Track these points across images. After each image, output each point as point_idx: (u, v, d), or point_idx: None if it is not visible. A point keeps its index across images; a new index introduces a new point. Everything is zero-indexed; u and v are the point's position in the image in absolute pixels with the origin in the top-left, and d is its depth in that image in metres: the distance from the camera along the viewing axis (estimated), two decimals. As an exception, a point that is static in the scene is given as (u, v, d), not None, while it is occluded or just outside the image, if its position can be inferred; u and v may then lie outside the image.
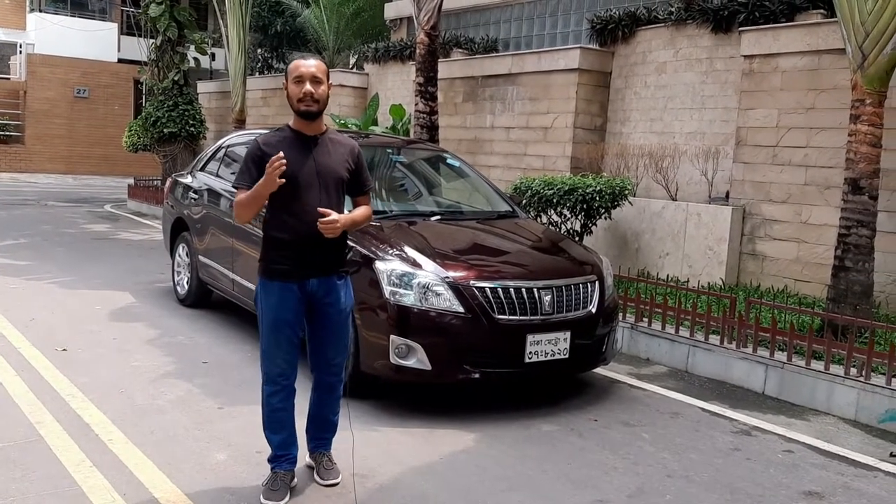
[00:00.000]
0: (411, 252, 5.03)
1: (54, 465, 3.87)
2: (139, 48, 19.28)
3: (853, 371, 5.41)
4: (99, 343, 6.10)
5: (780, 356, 5.77)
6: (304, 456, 3.95)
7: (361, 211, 3.77)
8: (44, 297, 7.59)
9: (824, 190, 7.79)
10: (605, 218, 8.62)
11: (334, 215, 3.47)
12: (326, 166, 3.59)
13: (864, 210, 6.13)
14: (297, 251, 3.55)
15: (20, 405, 4.66)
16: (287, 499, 3.61)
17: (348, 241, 5.09)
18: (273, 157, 3.33)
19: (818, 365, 5.57)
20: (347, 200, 3.80)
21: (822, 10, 8.55)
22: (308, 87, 3.49)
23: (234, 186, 3.66)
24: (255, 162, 3.53)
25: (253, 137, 3.69)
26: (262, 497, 3.59)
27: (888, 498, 4.09)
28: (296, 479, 3.76)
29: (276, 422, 3.69)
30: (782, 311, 6.41)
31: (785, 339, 5.80)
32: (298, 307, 3.61)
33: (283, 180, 3.37)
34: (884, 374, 5.28)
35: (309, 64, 3.55)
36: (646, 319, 6.67)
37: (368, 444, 4.36)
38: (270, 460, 3.73)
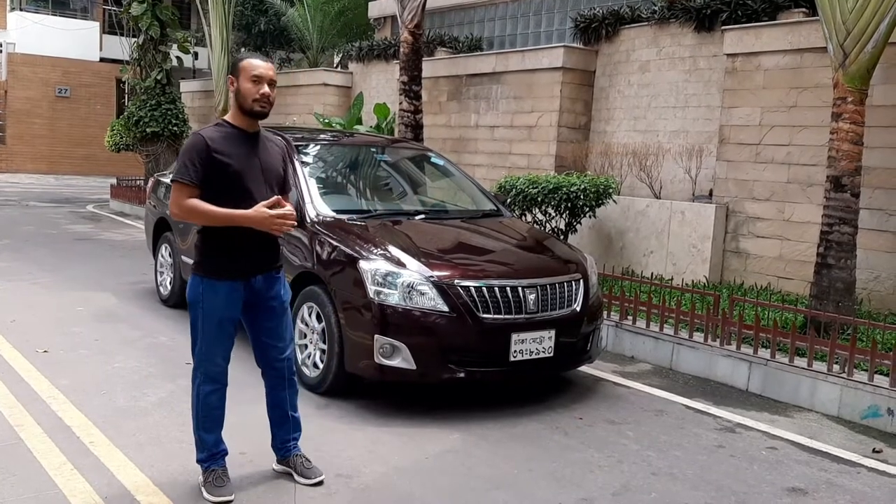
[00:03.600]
0: (396, 251, 5.02)
1: (35, 469, 3.82)
2: (121, 47, 19.13)
3: (836, 368, 5.44)
4: (81, 344, 6.04)
5: (764, 353, 5.80)
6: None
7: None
8: (25, 298, 7.51)
9: (807, 187, 7.83)
10: (590, 216, 8.63)
11: (289, 206, 3.49)
12: (269, 164, 3.61)
13: (847, 207, 6.17)
14: (246, 249, 3.54)
15: (0, 408, 4.61)
16: (234, 493, 3.60)
17: (332, 241, 5.14)
18: (281, 213, 3.36)
19: (801, 362, 5.60)
20: None
21: (804, 9, 8.60)
22: (266, 88, 3.49)
23: (173, 180, 3.51)
24: (201, 156, 3.43)
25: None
26: (208, 494, 3.56)
27: (871, 493, 4.12)
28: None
29: (213, 420, 3.66)
30: (766, 309, 6.44)
31: (768, 336, 5.82)
32: (240, 305, 3.62)
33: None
34: (866, 370, 5.31)
35: (267, 66, 3.53)
36: (630, 317, 6.69)
37: (353, 444, 4.35)
38: (204, 460, 3.67)
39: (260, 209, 3.39)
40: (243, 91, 3.49)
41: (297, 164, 5.63)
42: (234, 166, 3.46)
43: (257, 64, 3.51)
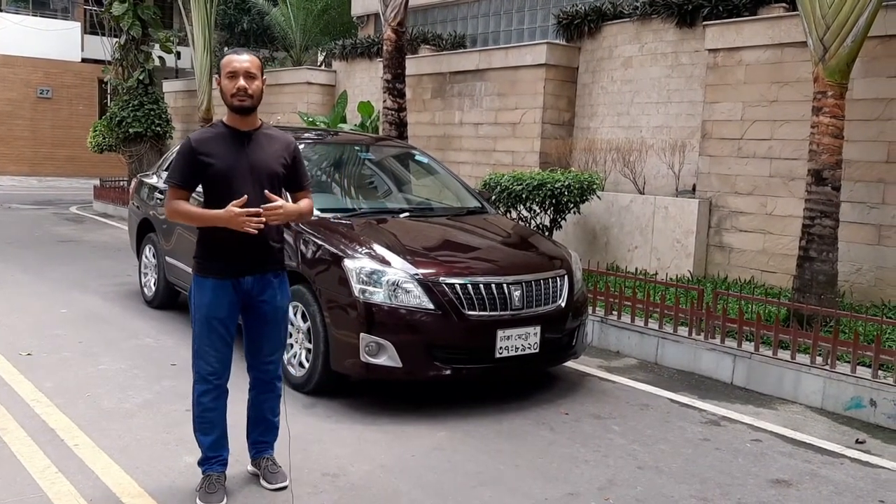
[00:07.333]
0: (380, 249, 5.02)
1: (19, 472, 3.80)
2: (103, 47, 18.98)
3: (819, 360, 5.49)
4: (64, 347, 6.01)
5: (748, 346, 5.84)
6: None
7: (305, 202, 3.70)
8: (8, 301, 7.45)
9: (789, 181, 7.88)
10: (574, 212, 8.66)
11: (279, 201, 3.44)
12: (260, 161, 3.54)
13: (828, 201, 6.21)
14: (233, 248, 3.50)
15: (-17, 412, 4.58)
16: (224, 500, 3.56)
17: (316, 240, 5.12)
18: (248, 212, 3.33)
19: (785, 354, 5.64)
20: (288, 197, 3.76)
21: (784, 4, 8.65)
22: (241, 82, 3.44)
23: (164, 181, 3.59)
24: (187, 159, 3.50)
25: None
26: (198, 501, 3.54)
27: (854, 484, 4.16)
28: (226, 486, 3.68)
29: (207, 422, 3.62)
30: (749, 302, 6.48)
31: (752, 329, 5.87)
32: (232, 305, 3.57)
33: (253, 231, 3.37)
34: (849, 362, 5.36)
35: (242, 59, 3.47)
36: (615, 312, 6.72)
37: (339, 442, 4.35)
38: (201, 463, 3.65)
39: (229, 208, 3.36)
40: (223, 88, 3.49)
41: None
42: (216, 166, 3.45)
43: (232, 59, 3.49)
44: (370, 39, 15.26)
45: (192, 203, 3.58)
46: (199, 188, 3.59)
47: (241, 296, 3.57)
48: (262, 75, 3.55)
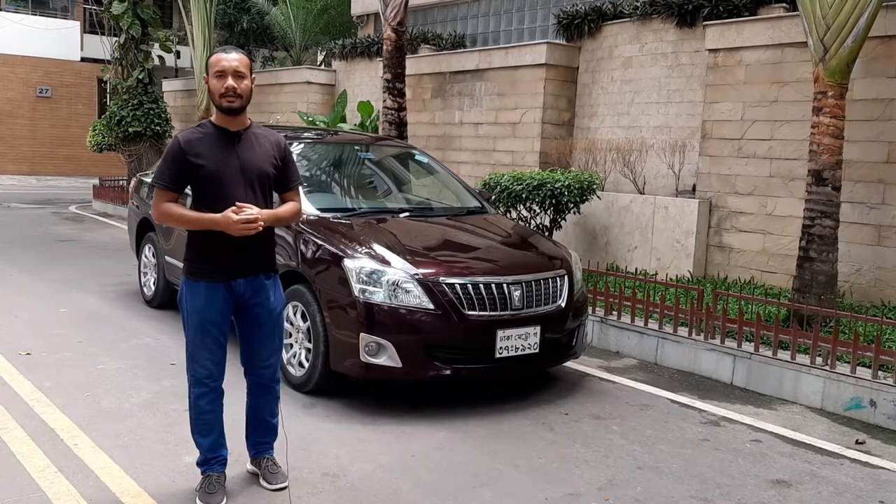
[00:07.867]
0: (380, 249, 5.01)
1: (18, 472, 3.80)
2: (102, 46, 18.97)
3: (819, 360, 5.48)
4: (64, 346, 6.00)
5: (748, 347, 5.84)
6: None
7: (288, 206, 3.65)
8: (7, 301, 7.44)
9: (789, 182, 7.88)
10: (574, 212, 8.65)
11: (254, 210, 3.37)
12: (251, 162, 3.48)
13: (828, 201, 6.21)
14: (224, 251, 3.45)
15: (-17, 411, 4.57)
16: (224, 500, 3.55)
17: (316, 240, 5.12)
18: (246, 219, 3.30)
19: (785, 355, 5.64)
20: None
21: (784, 4, 8.65)
22: (230, 81, 3.37)
23: (152, 183, 3.48)
24: (176, 160, 3.43)
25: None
26: (198, 501, 3.52)
27: (854, 485, 4.16)
28: (225, 486, 3.67)
29: (205, 424, 3.59)
30: (749, 302, 6.47)
31: (752, 329, 5.86)
32: (225, 308, 3.53)
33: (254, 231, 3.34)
34: (848, 362, 5.36)
35: (231, 58, 3.39)
36: (615, 313, 6.71)
37: (339, 442, 4.34)
38: (200, 464, 3.63)
39: (227, 214, 3.32)
40: (211, 88, 3.43)
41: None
42: (207, 167, 3.40)
43: (220, 58, 3.42)
44: (370, 39, 15.25)
45: (181, 201, 3.53)
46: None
47: (233, 298, 3.54)
48: (252, 74, 3.49)
